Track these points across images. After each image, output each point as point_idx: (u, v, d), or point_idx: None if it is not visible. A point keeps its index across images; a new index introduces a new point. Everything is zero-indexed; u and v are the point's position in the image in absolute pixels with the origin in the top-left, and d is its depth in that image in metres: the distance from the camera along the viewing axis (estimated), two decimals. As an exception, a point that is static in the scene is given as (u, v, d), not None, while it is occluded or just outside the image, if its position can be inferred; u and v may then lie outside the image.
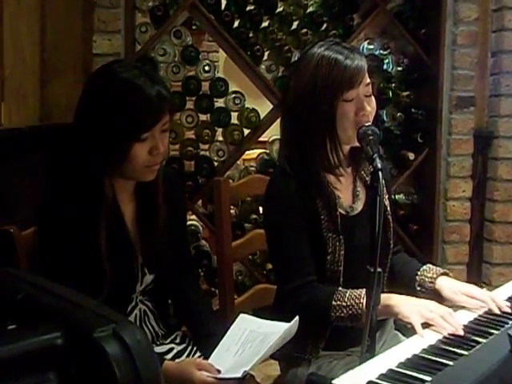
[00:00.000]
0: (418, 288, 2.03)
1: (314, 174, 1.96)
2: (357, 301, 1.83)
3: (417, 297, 1.90)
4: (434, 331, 1.69)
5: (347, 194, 2.05)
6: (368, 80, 1.93)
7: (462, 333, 1.66)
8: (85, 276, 1.77)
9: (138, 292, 1.97)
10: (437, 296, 1.98)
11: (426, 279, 2.02)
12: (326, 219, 1.94)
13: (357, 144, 1.89)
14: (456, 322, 1.69)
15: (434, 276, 2.02)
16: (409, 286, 2.05)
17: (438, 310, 1.74)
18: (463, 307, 1.89)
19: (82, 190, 1.84)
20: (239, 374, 1.74)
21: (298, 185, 1.95)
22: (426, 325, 1.72)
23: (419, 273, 2.06)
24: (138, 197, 1.98)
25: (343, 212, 1.99)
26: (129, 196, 1.96)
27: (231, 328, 1.91)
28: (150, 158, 1.83)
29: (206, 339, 2.00)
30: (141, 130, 1.79)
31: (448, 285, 1.99)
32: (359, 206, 2.04)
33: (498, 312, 1.83)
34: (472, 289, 1.95)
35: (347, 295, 1.85)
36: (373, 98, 1.96)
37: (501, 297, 1.93)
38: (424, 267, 2.07)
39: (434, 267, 2.07)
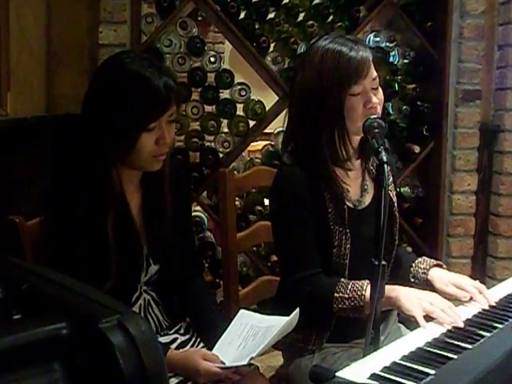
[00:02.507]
0: (412, 279, 2.05)
1: (321, 167, 1.96)
2: (359, 293, 1.84)
3: (418, 289, 1.91)
4: (437, 324, 1.69)
5: (355, 187, 2.05)
6: (374, 74, 1.93)
7: (461, 325, 1.67)
8: (91, 265, 1.78)
9: (143, 282, 1.98)
10: (430, 287, 2.00)
11: (420, 270, 2.05)
12: (333, 212, 1.95)
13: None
14: (455, 315, 1.70)
15: (427, 267, 2.04)
16: (404, 278, 2.07)
17: (439, 302, 1.75)
18: (468, 301, 1.89)
19: (88, 180, 1.85)
20: (245, 362, 1.76)
21: (304, 177, 1.95)
22: (429, 318, 1.72)
23: (413, 265, 2.08)
24: (144, 187, 1.98)
25: (351, 205, 2.00)
26: (135, 186, 1.97)
27: (232, 323, 1.93)
28: (157, 149, 1.85)
29: (209, 331, 2.02)
30: (148, 120, 1.80)
31: (439, 276, 2.01)
32: (367, 200, 2.05)
33: (484, 305, 1.83)
34: (462, 280, 1.96)
35: (349, 287, 1.86)
36: (380, 90, 1.96)
37: (504, 291, 1.93)
38: (419, 259, 2.10)
39: (428, 259, 2.09)
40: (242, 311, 1.98)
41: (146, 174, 1.96)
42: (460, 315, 1.71)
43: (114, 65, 1.89)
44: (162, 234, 1.97)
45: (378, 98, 1.93)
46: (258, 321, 1.91)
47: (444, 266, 2.08)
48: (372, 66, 1.93)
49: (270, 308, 2.10)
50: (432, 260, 2.08)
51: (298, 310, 1.78)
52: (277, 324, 1.81)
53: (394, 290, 1.81)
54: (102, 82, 1.87)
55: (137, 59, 1.86)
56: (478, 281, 1.96)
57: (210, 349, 1.91)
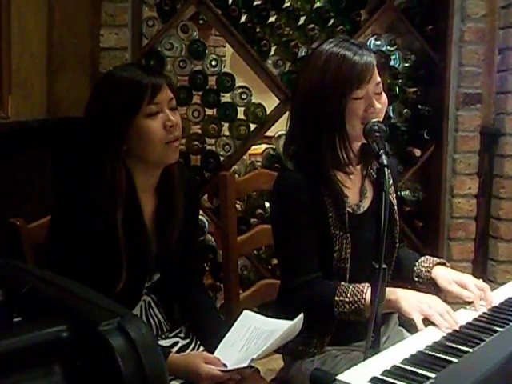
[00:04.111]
0: (416, 279, 2.05)
1: (322, 171, 1.95)
2: (359, 296, 1.84)
3: (418, 290, 1.91)
4: (437, 328, 1.69)
5: (355, 192, 2.05)
6: (378, 79, 1.93)
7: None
8: (98, 271, 1.79)
9: (145, 288, 1.99)
10: (434, 286, 2.00)
11: (423, 269, 2.04)
12: (333, 217, 1.94)
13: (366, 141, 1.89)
14: (452, 321, 1.70)
15: (431, 265, 2.04)
16: (408, 278, 2.07)
17: (437, 306, 1.75)
18: (468, 304, 1.89)
19: (94, 180, 1.86)
20: (245, 364, 1.75)
21: (305, 181, 1.94)
22: (429, 321, 1.72)
23: (417, 264, 2.08)
24: (158, 196, 1.99)
25: (350, 210, 1.99)
26: (150, 194, 1.98)
27: (235, 324, 1.92)
28: (166, 133, 1.88)
29: (208, 335, 2.02)
30: (139, 101, 1.85)
31: (443, 274, 2.00)
32: (366, 205, 2.04)
33: (478, 309, 1.83)
34: (466, 278, 1.95)
35: (350, 290, 1.86)
36: (383, 95, 1.96)
37: (505, 295, 1.93)
38: (422, 258, 2.10)
39: (431, 258, 2.09)
40: (245, 312, 1.98)
41: (161, 182, 1.98)
42: (457, 321, 1.71)
43: (105, 74, 2.03)
44: (171, 243, 1.98)
45: (380, 103, 1.93)
46: (262, 323, 1.91)
47: (447, 264, 2.07)
48: (376, 71, 1.93)
49: (271, 311, 2.10)
50: (435, 258, 2.08)
51: (301, 315, 1.78)
52: (280, 328, 1.80)
53: (394, 293, 1.81)
54: (96, 90, 1.96)
55: (123, 65, 2.00)
56: (481, 280, 1.96)
57: (212, 351, 1.91)
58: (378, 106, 1.92)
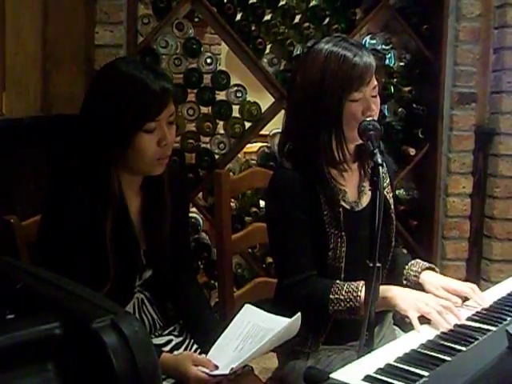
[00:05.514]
0: (405, 282, 2.04)
1: (317, 169, 1.95)
2: (354, 294, 1.84)
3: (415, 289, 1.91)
4: (431, 327, 1.69)
5: (353, 188, 2.04)
6: (375, 82, 1.93)
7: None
8: (89, 269, 1.79)
9: (137, 286, 1.98)
10: (422, 290, 1.99)
11: (412, 273, 2.04)
12: (328, 215, 1.94)
13: (362, 142, 1.89)
14: (450, 320, 1.69)
15: (419, 270, 2.03)
16: (398, 280, 2.06)
17: (436, 304, 1.75)
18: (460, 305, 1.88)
19: (87, 181, 1.85)
20: (227, 371, 1.75)
21: (301, 179, 1.94)
22: (425, 320, 1.72)
23: (406, 267, 2.07)
24: (143, 193, 1.99)
25: (347, 207, 1.99)
26: (135, 192, 1.97)
27: (235, 318, 1.91)
28: (159, 150, 1.86)
29: (202, 334, 2.01)
30: (145, 118, 1.81)
31: (430, 279, 1.99)
32: (364, 202, 2.04)
33: (480, 303, 1.83)
34: (452, 283, 1.95)
35: (345, 288, 1.86)
36: (378, 98, 1.96)
37: (499, 294, 1.93)
38: (412, 261, 2.09)
39: (421, 262, 2.08)
40: (246, 306, 1.95)
41: (146, 180, 1.97)
42: (460, 317, 1.72)
43: (111, 68, 1.93)
44: (160, 240, 1.97)
45: (376, 106, 1.93)
46: (262, 319, 1.88)
47: (436, 270, 2.06)
48: (374, 75, 1.93)
49: (266, 310, 2.10)
50: (424, 263, 2.07)
51: (299, 314, 1.75)
52: (276, 327, 1.78)
53: (390, 290, 1.81)
54: (99, 86, 1.90)
55: (132, 63, 1.90)
56: (468, 282, 1.96)
57: (206, 349, 1.91)
58: (374, 108, 1.92)
